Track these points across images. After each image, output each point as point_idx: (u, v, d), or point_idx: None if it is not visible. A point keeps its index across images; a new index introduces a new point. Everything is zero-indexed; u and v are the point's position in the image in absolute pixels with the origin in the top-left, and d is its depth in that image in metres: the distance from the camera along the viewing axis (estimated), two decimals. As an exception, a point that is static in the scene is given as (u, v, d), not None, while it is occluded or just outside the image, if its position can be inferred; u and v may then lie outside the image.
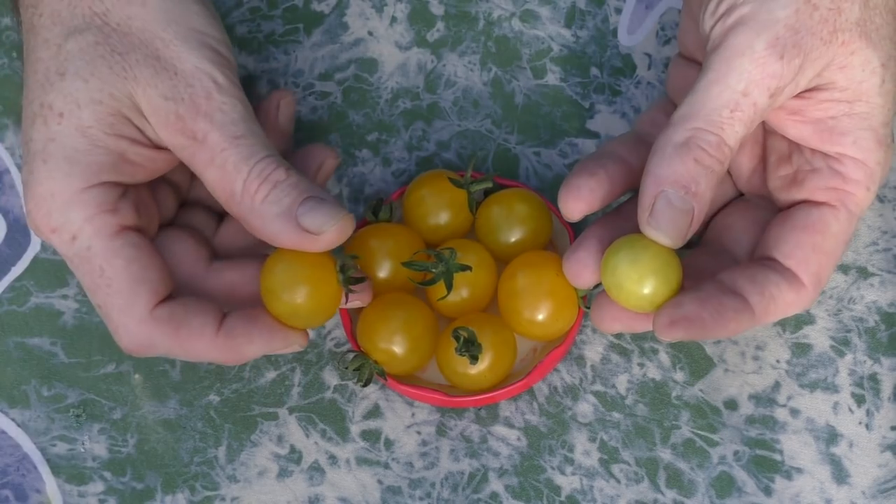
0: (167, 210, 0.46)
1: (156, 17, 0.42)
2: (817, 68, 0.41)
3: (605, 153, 0.44)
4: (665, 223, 0.41)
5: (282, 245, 0.42)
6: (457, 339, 0.44)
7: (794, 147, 0.44)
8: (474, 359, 0.44)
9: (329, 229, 0.41)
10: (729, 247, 0.45)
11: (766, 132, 0.46)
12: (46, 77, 0.42)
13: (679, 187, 0.40)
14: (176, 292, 0.43)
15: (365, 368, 0.45)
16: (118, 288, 0.41)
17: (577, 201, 0.43)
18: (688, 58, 0.47)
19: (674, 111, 0.42)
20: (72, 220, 0.41)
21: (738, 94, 0.40)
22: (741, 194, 0.47)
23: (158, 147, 0.43)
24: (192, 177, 0.47)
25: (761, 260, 0.43)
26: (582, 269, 0.43)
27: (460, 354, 0.44)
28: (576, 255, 0.43)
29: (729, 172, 0.47)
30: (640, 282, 0.41)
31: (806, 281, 0.42)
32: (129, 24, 0.42)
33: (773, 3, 0.40)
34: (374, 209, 0.48)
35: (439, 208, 0.48)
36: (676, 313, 0.40)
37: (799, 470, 0.47)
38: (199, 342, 0.42)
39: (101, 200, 0.41)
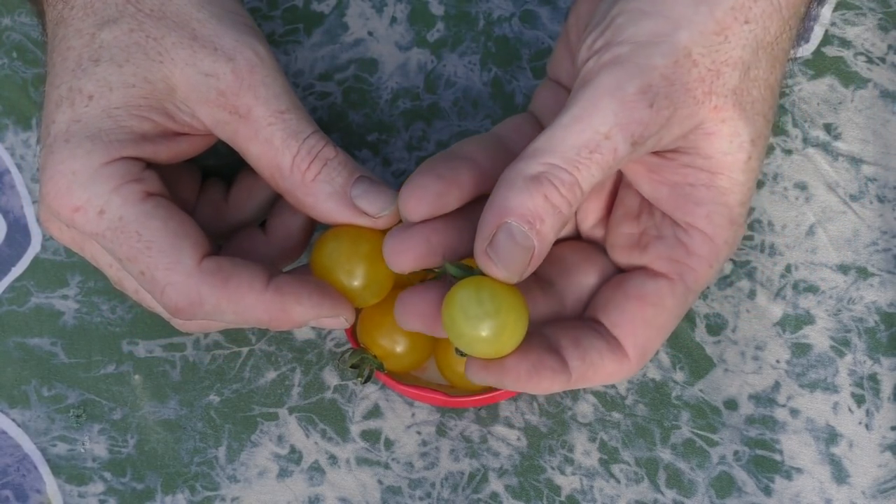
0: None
1: (189, 0, 0.42)
2: (685, 128, 0.39)
3: (459, 154, 0.42)
4: (504, 256, 0.38)
5: (334, 223, 0.43)
6: None
7: (645, 207, 0.43)
8: None
9: (386, 213, 0.42)
10: (560, 285, 0.43)
11: (618, 184, 0.44)
12: (79, 63, 0.42)
13: (524, 222, 0.38)
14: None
15: (364, 364, 0.45)
16: (160, 247, 0.40)
17: (420, 203, 0.40)
18: (557, 82, 0.46)
19: (536, 124, 0.41)
20: (98, 194, 0.40)
21: (600, 135, 0.38)
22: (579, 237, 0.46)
23: (182, 133, 0.43)
24: (198, 198, 0.47)
25: (589, 321, 0.42)
26: (404, 251, 0.40)
27: (460, 355, 0.44)
28: (401, 237, 0.40)
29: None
30: (479, 326, 0.38)
31: (630, 353, 0.41)
32: (164, 9, 0.42)
33: (653, 48, 0.38)
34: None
35: None
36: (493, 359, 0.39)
37: (799, 470, 0.47)
38: (248, 296, 0.41)
39: (124, 171, 0.41)
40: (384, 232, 0.44)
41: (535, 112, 0.46)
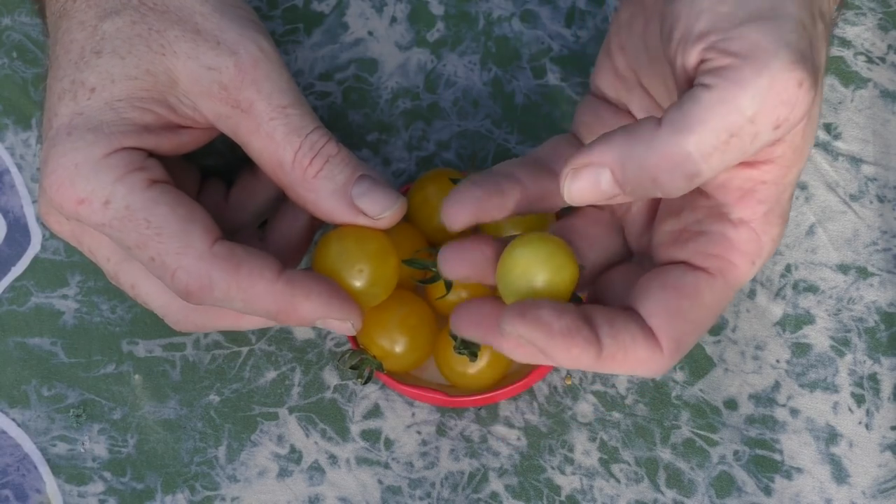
0: None
1: None
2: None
3: (500, 172, 0.42)
4: (580, 183, 0.38)
5: (334, 222, 0.42)
6: (454, 337, 0.44)
7: (688, 201, 0.41)
8: (473, 356, 0.44)
9: (387, 215, 0.42)
10: (606, 304, 0.42)
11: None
12: (81, 56, 0.42)
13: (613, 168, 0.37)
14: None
15: (364, 364, 0.45)
16: (169, 232, 0.40)
17: (462, 210, 0.40)
18: (601, 97, 0.45)
19: (578, 145, 0.40)
20: (101, 185, 0.40)
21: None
22: (632, 255, 0.44)
23: (184, 126, 0.43)
24: (198, 196, 0.46)
25: (627, 308, 0.40)
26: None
27: (459, 353, 0.44)
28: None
29: (622, 228, 0.44)
30: (533, 274, 0.39)
31: (664, 344, 0.39)
32: (166, 2, 0.42)
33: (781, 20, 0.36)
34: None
35: None
36: (530, 309, 0.37)
37: (799, 470, 0.47)
38: (259, 284, 0.40)
39: (127, 161, 0.40)
40: (388, 231, 0.44)
41: (578, 131, 0.45)
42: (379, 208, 0.42)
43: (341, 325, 0.42)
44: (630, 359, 0.39)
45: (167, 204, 0.40)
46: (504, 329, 0.37)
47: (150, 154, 0.42)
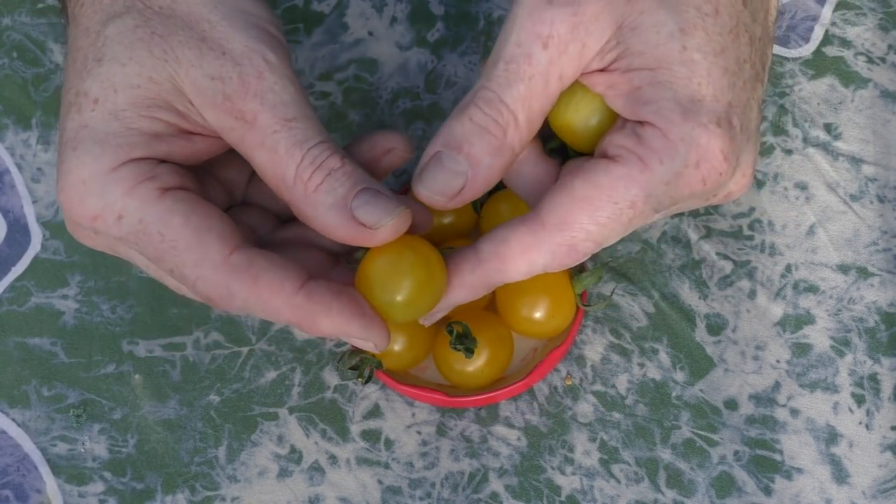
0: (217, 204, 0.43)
1: (201, 0, 0.41)
2: (604, 25, 0.39)
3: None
4: (430, 180, 0.40)
5: (334, 237, 0.40)
6: (450, 333, 0.44)
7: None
8: (469, 352, 0.44)
9: (386, 224, 0.40)
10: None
11: None
12: (84, 65, 0.41)
13: (451, 148, 0.39)
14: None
15: (363, 364, 0.45)
16: (185, 244, 0.39)
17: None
18: None
19: None
20: (112, 200, 0.39)
21: (512, 45, 0.39)
22: None
23: (197, 133, 0.42)
24: (250, 177, 0.45)
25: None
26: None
27: (454, 349, 0.44)
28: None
29: None
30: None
31: (546, 221, 0.39)
32: (173, 7, 0.40)
33: None
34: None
35: None
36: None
37: (799, 470, 0.47)
38: (278, 297, 0.39)
39: (136, 172, 0.40)
40: (436, 248, 0.42)
41: None
42: (374, 218, 0.40)
43: (364, 344, 0.40)
44: (513, 247, 0.40)
45: (181, 214, 0.39)
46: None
47: (163, 161, 0.41)
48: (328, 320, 0.39)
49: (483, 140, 0.39)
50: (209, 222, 0.40)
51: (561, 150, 0.43)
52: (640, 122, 0.39)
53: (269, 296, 0.39)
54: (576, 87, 0.41)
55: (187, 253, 0.39)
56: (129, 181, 0.39)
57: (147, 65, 0.40)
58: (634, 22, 0.39)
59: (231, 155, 0.44)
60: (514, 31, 0.39)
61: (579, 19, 0.39)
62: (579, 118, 0.41)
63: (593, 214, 0.39)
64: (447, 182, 0.40)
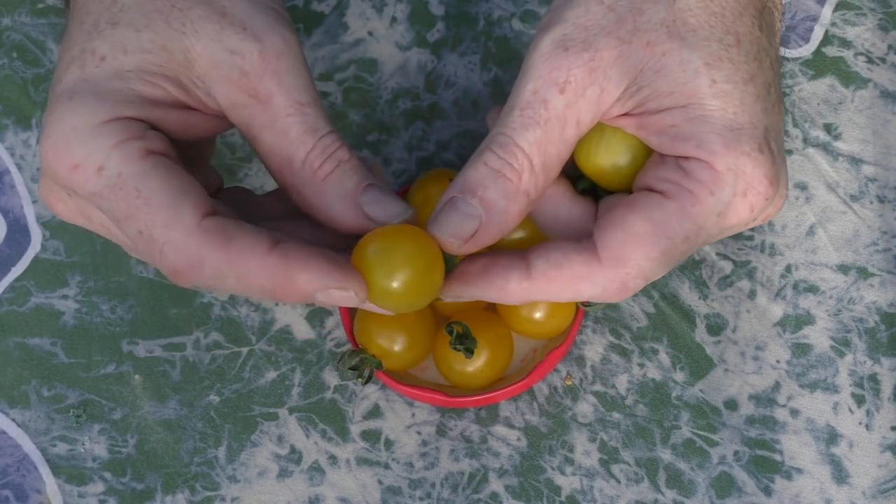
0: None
1: None
2: (622, 69, 0.39)
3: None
4: (444, 223, 0.40)
5: (339, 228, 0.41)
6: (450, 333, 0.44)
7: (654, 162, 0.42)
8: (469, 352, 0.44)
9: (396, 223, 0.40)
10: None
11: None
12: (95, 26, 0.40)
13: (465, 192, 0.39)
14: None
15: (363, 364, 0.45)
16: (158, 203, 0.38)
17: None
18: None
19: None
20: (98, 150, 0.39)
21: (527, 92, 0.39)
22: None
23: (195, 108, 0.41)
24: (216, 191, 0.45)
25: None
26: None
27: (454, 349, 0.44)
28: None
29: None
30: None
31: (602, 255, 0.39)
32: None
33: (565, 6, 0.39)
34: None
35: None
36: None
37: (799, 470, 0.47)
38: (251, 259, 0.38)
39: (126, 129, 0.39)
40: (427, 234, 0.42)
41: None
42: (388, 215, 0.40)
43: (344, 294, 0.39)
44: (566, 274, 0.39)
45: (160, 175, 0.39)
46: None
47: (154, 127, 0.40)
48: (306, 275, 0.38)
49: (497, 184, 0.39)
50: (186, 187, 0.39)
51: (591, 191, 0.43)
52: (684, 157, 0.40)
53: (242, 259, 0.38)
54: (603, 127, 0.41)
55: (160, 212, 0.38)
56: (116, 136, 0.39)
57: (163, 34, 0.40)
58: (658, 65, 0.39)
59: (207, 170, 0.44)
60: (530, 79, 0.39)
61: (597, 63, 0.39)
62: (609, 158, 0.41)
63: (648, 250, 0.39)
64: (461, 225, 0.40)
